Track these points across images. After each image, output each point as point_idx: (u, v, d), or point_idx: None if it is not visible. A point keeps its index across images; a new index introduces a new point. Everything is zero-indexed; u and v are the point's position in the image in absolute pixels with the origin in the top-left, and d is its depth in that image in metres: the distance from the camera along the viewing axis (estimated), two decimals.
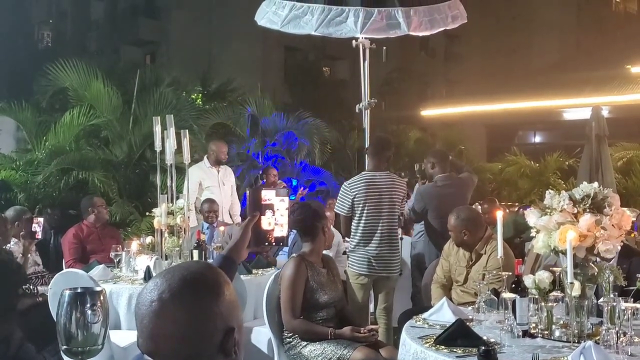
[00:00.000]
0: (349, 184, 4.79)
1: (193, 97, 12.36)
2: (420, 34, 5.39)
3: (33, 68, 11.50)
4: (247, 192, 2.03)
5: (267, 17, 5.40)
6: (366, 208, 4.69)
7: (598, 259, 2.82)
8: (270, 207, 1.99)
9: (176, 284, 1.28)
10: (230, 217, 6.98)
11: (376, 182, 4.74)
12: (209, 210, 6.18)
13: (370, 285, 4.74)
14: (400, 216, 5.99)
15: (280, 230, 2.00)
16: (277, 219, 1.99)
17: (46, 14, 30.31)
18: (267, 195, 2.00)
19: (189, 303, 1.26)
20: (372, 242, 4.69)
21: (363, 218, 4.69)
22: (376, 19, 5.12)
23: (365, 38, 5.53)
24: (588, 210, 2.80)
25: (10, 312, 2.12)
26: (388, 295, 4.84)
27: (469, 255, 4.24)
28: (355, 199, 4.69)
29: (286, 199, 2.02)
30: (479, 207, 9.23)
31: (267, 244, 2.02)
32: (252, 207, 1.99)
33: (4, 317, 2.06)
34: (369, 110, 5.75)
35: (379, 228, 4.71)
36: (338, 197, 4.86)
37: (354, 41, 5.53)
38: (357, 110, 5.86)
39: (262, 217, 1.98)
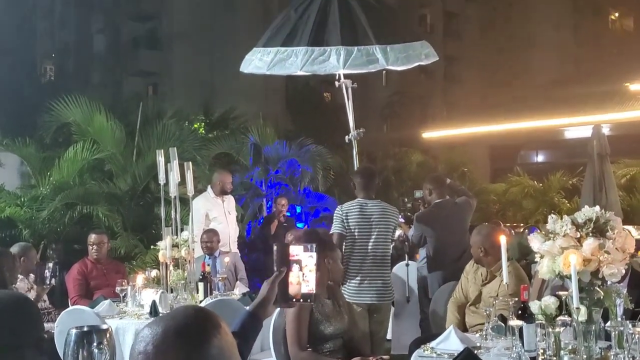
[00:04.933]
0: (341, 207, 4.90)
1: (196, 126, 12.45)
2: (398, 68, 5.66)
3: (36, 103, 11.62)
4: (275, 246, 1.99)
5: (253, 64, 5.68)
6: (357, 234, 4.74)
7: (606, 283, 2.81)
8: (298, 262, 1.95)
9: (160, 336, 1.28)
10: (233, 246, 6.99)
11: (368, 210, 4.81)
12: (207, 240, 6.17)
13: (365, 314, 4.71)
14: (406, 242, 6.01)
15: (307, 286, 1.95)
16: (304, 274, 1.94)
17: (49, 49, 30.73)
18: (295, 250, 1.96)
19: (171, 356, 1.26)
20: (363, 270, 4.71)
21: (356, 246, 4.72)
22: (356, 55, 5.39)
23: (346, 78, 5.85)
24: (591, 234, 2.81)
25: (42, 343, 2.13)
26: (380, 326, 4.80)
27: (485, 275, 4.24)
28: (348, 220, 4.74)
29: (314, 254, 1.95)
30: None
31: (294, 300, 1.95)
32: (280, 263, 1.95)
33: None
34: (358, 142, 6.02)
35: (370, 256, 4.74)
36: (333, 221, 4.91)
37: (336, 82, 5.79)
38: (346, 141, 6.05)
39: (290, 272, 1.94)
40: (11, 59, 17.41)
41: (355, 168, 5.91)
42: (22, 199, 8.00)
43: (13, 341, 1.96)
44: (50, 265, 4.73)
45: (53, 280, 4.84)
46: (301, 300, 1.96)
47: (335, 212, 4.91)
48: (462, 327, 4.21)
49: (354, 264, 4.71)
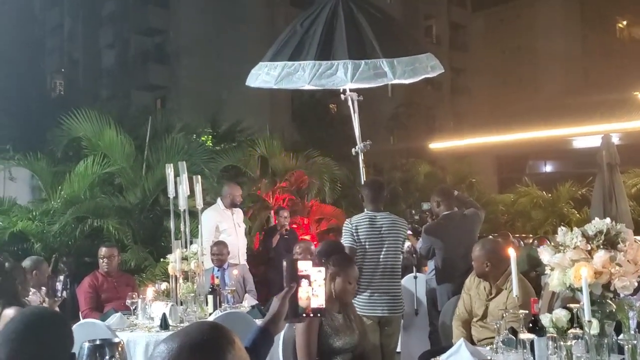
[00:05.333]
0: (350, 220, 4.91)
1: (203, 138, 12.50)
2: (405, 81, 5.67)
3: (47, 118, 11.70)
4: (284, 262, 2.02)
5: (260, 78, 5.69)
6: (368, 247, 4.75)
7: (619, 296, 2.80)
8: (307, 277, 1.98)
9: (175, 352, 1.32)
10: (242, 258, 7.02)
11: (378, 222, 4.83)
12: (217, 252, 6.20)
13: (377, 328, 4.70)
14: (414, 254, 6.01)
15: (317, 301, 1.98)
16: (314, 289, 1.98)
17: (58, 64, 31.04)
18: (304, 266, 1.99)
19: None
20: (374, 282, 4.71)
21: (366, 259, 4.72)
22: (364, 69, 5.40)
23: (352, 91, 5.86)
24: (602, 246, 2.80)
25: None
26: (391, 339, 4.79)
27: (489, 289, 4.22)
28: (358, 233, 4.75)
29: (323, 269, 2.00)
30: None
31: (304, 315, 1.98)
32: (289, 278, 1.98)
33: None
34: (365, 154, 6.03)
35: (381, 268, 4.74)
36: (342, 234, 4.92)
37: (342, 95, 5.79)
38: (353, 153, 6.05)
39: (299, 288, 1.97)
40: (21, 74, 17.56)
41: (362, 181, 5.92)
42: (34, 213, 8.06)
43: (48, 357, 1.99)
44: (62, 277, 4.77)
45: (64, 293, 4.86)
46: (311, 314, 1.99)
47: (345, 225, 4.92)
48: (470, 342, 4.19)
49: (365, 276, 4.71)
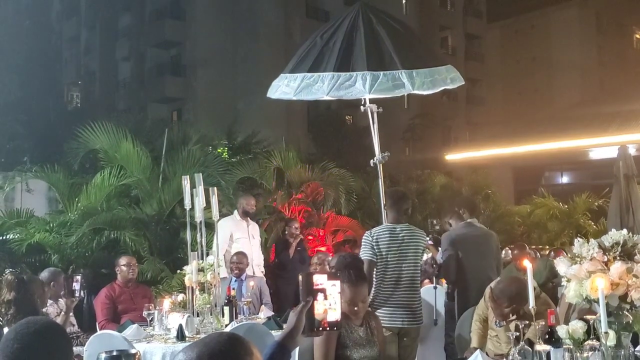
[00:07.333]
0: (370, 232, 4.87)
1: (219, 150, 12.58)
2: (424, 92, 5.64)
3: (63, 129, 11.83)
4: (300, 277, 2.02)
5: (280, 90, 5.71)
6: (389, 259, 4.73)
7: (636, 307, 2.78)
8: (322, 291, 1.98)
9: None
10: (257, 269, 7.05)
11: (398, 234, 4.81)
12: (237, 262, 6.23)
13: (395, 339, 4.67)
14: (434, 264, 6.00)
15: (333, 314, 1.99)
16: (330, 303, 1.98)
17: (75, 76, 31.50)
18: (319, 279, 2.00)
19: None
20: (395, 294, 4.70)
21: (388, 271, 4.71)
22: (382, 80, 5.37)
23: (372, 102, 5.84)
24: (618, 257, 2.79)
25: None
26: (409, 350, 4.76)
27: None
28: (379, 245, 4.73)
29: (338, 282, 2.01)
30: (509, 251, 9.16)
31: (321, 329, 1.99)
32: (305, 293, 1.98)
33: None
34: (381, 165, 6.00)
35: (402, 280, 4.73)
36: (362, 247, 4.90)
37: (362, 107, 5.80)
38: (371, 164, 6.04)
39: (315, 302, 1.97)
40: (38, 86, 17.81)
41: (381, 192, 5.90)
42: (51, 225, 8.11)
43: None
44: (79, 277, 4.78)
45: (82, 292, 4.87)
46: (328, 328, 2.00)
47: (364, 237, 4.88)
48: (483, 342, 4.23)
49: (386, 289, 4.69)
